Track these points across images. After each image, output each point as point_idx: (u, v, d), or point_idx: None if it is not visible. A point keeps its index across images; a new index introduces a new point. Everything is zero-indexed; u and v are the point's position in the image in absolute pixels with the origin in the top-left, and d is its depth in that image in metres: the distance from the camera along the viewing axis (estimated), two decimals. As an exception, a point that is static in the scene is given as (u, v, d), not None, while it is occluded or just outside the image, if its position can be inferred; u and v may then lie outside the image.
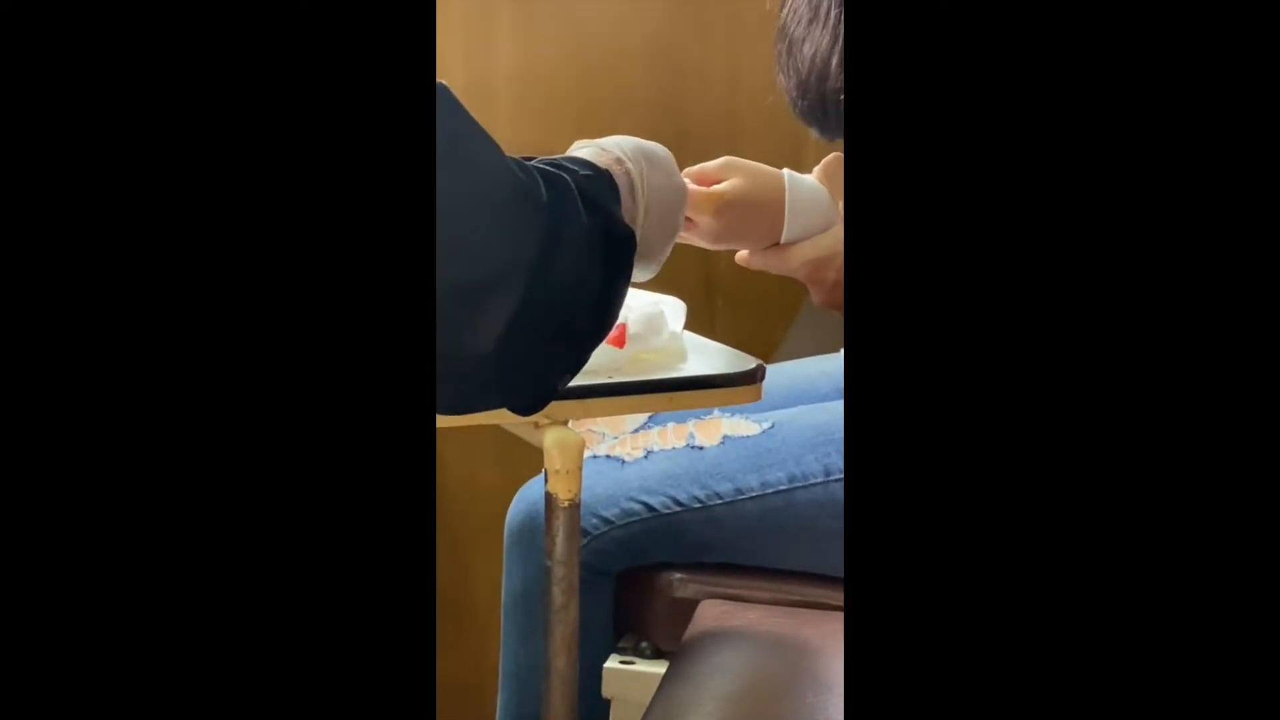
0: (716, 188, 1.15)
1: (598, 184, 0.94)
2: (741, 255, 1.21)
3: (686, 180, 1.14)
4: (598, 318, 0.91)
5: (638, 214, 1.00)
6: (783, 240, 1.17)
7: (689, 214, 1.14)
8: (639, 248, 0.97)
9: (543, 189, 0.85)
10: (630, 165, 0.99)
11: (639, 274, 1.00)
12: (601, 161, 0.98)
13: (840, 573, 1.30)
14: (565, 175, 0.90)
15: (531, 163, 0.91)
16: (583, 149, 1.00)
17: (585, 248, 0.88)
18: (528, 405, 0.91)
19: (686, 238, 1.17)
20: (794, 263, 1.17)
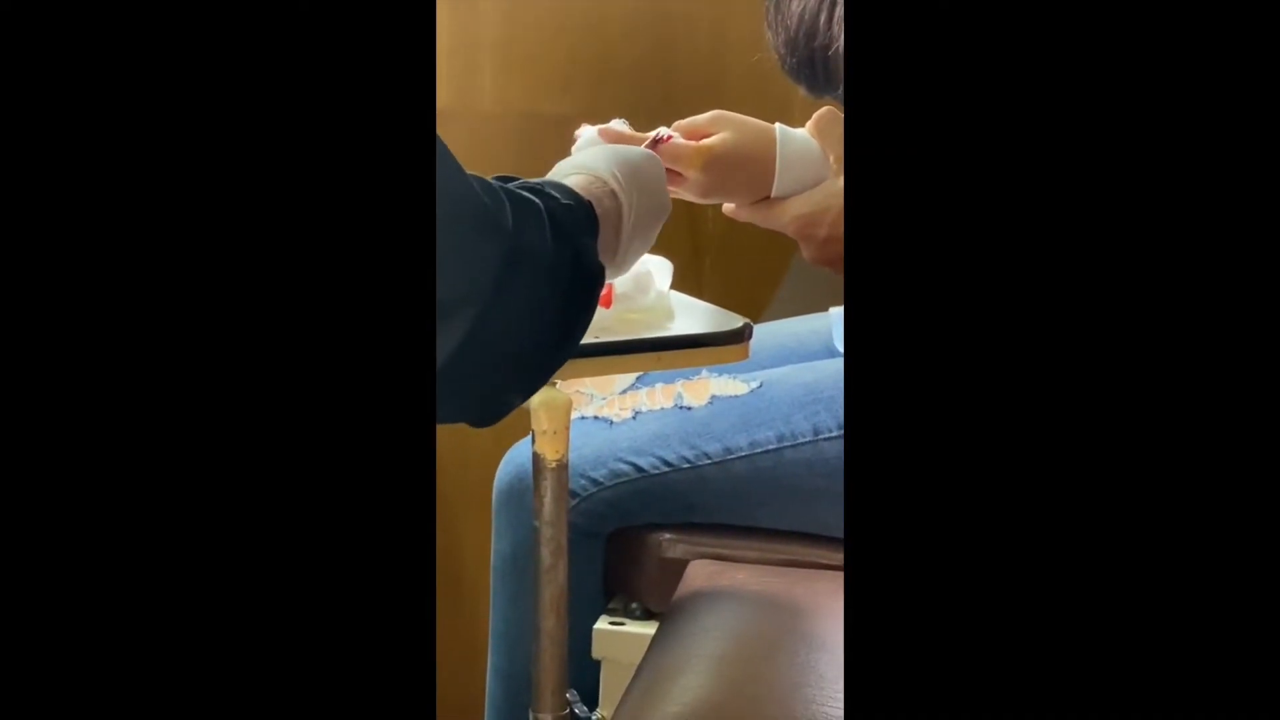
0: (705, 141, 1.15)
1: (575, 214, 0.93)
2: (730, 206, 1.20)
3: (677, 136, 1.14)
4: (555, 346, 0.91)
5: (619, 244, 0.99)
6: (773, 194, 1.16)
7: (678, 169, 1.13)
8: (615, 265, 0.97)
9: (509, 214, 0.84)
10: (623, 197, 0.99)
11: (609, 276, 1.00)
12: (590, 191, 0.96)
13: (829, 531, 1.30)
14: (539, 201, 0.88)
15: (511, 185, 0.89)
16: (573, 176, 0.98)
17: (548, 277, 0.87)
18: (476, 420, 0.91)
19: (675, 192, 1.16)
20: (784, 218, 1.16)
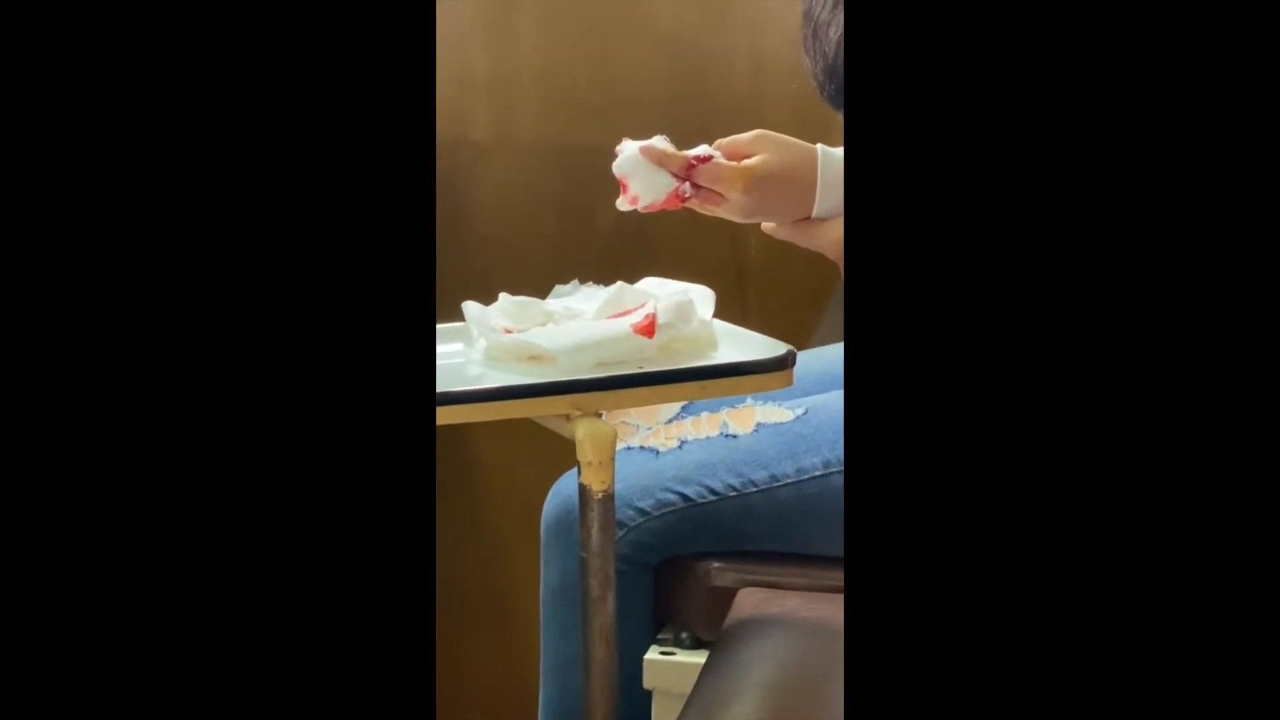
0: (747, 163, 1.15)
1: None
2: (769, 224, 1.21)
3: (719, 155, 1.13)
4: None
5: None
6: (813, 215, 1.16)
7: (719, 190, 1.14)
8: None
9: None
10: None
11: None
12: None
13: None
14: None
15: None
16: None
17: None
18: None
19: (716, 211, 1.17)
20: (824, 240, 1.16)
